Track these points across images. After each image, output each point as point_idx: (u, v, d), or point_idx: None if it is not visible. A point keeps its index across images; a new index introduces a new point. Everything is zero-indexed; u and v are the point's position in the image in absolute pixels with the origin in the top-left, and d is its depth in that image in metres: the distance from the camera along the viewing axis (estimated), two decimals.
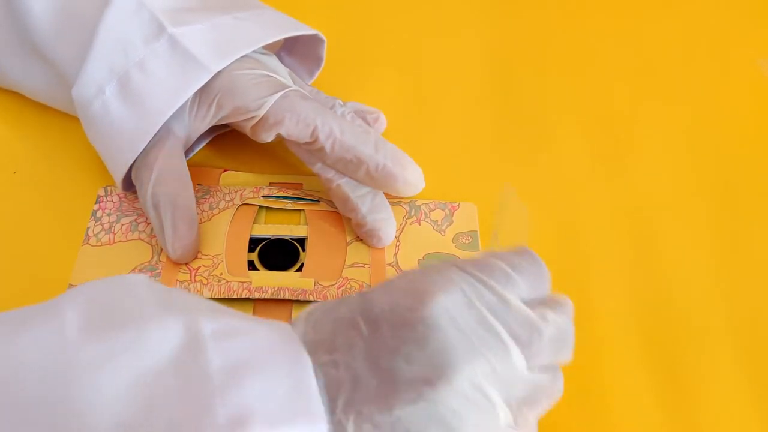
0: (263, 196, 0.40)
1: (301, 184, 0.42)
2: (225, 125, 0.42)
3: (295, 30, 0.40)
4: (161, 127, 0.37)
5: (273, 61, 0.40)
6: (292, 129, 0.37)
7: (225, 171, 0.42)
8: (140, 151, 0.37)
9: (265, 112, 0.37)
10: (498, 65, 0.49)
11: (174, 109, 0.36)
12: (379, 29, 0.51)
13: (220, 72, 0.37)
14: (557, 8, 0.53)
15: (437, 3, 0.53)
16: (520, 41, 0.51)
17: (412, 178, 0.38)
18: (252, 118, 0.38)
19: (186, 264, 0.37)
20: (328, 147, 0.37)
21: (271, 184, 0.41)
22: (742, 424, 0.34)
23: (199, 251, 0.38)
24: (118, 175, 0.38)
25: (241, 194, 0.40)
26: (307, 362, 0.25)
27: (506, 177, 0.43)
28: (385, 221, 0.38)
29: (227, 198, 0.40)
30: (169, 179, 0.37)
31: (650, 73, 0.49)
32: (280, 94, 0.37)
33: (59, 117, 0.43)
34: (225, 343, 0.25)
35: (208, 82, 0.37)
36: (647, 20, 0.53)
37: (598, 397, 0.35)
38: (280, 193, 0.41)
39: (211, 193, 0.40)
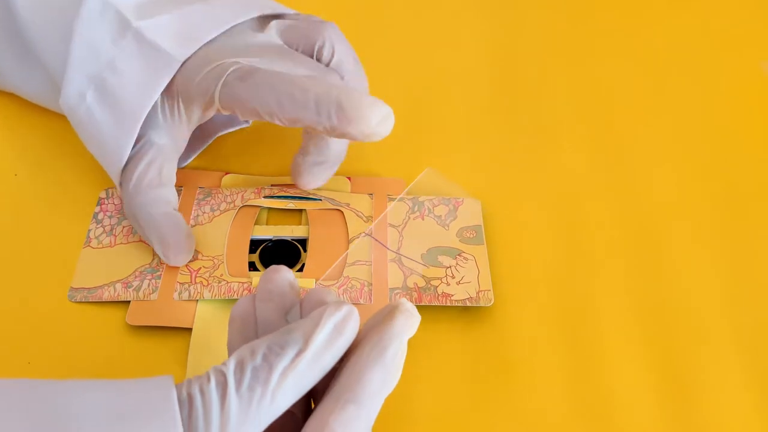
0: (265, 197, 0.40)
1: None
2: (228, 125, 0.42)
3: (269, 9, 0.39)
4: (142, 138, 0.37)
5: (254, 37, 0.38)
6: (245, 115, 0.35)
7: (226, 174, 0.42)
8: (127, 155, 0.36)
9: (217, 105, 0.36)
10: (502, 62, 0.49)
11: (149, 105, 0.36)
12: (383, 26, 0.51)
13: (178, 74, 0.36)
14: (562, 7, 0.53)
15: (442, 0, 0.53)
16: (525, 38, 0.51)
17: (368, 129, 0.33)
18: (214, 110, 0.36)
19: (186, 265, 0.37)
20: (277, 122, 0.35)
21: (272, 185, 0.41)
22: (745, 427, 0.33)
23: (199, 252, 0.38)
24: (115, 179, 0.37)
25: (242, 196, 0.40)
26: None
27: (510, 174, 0.42)
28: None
29: (228, 200, 0.40)
30: (147, 189, 0.36)
31: (654, 75, 0.49)
32: (219, 85, 0.35)
33: (60, 119, 0.43)
34: None
35: (171, 85, 0.36)
36: (651, 22, 0.52)
37: (601, 398, 0.34)
38: (282, 193, 0.40)
39: (213, 195, 0.40)
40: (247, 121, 0.44)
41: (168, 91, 0.36)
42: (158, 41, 0.36)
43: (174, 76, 0.36)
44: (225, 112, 0.36)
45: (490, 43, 0.50)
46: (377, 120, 0.33)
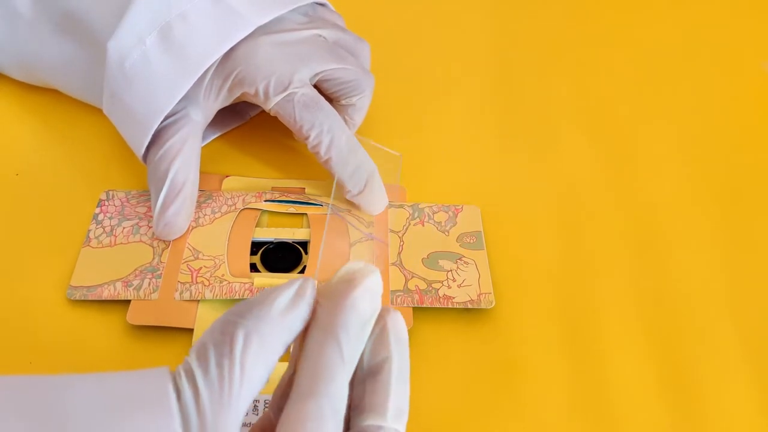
0: (266, 201, 0.40)
1: (303, 188, 0.41)
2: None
3: None
4: (178, 110, 0.38)
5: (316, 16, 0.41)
6: (290, 127, 0.39)
7: (227, 177, 0.42)
8: (173, 104, 0.37)
9: (269, 108, 0.39)
10: (502, 68, 0.49)
11: (215, 58, 0.37)
12: (380, 30, 0.51)
13: (239, 54, 0.38)
14: (562, 10, 0.54)
15: (441, 3, 0.54)
16: (524, 44, 0.51)
17: (370, 212, 0.40)
18: (262, 107, 0.39)
19: (188, 265, 0.37)
20: (315, 155, 0.39)
21: (273, 188, 0.41)
22: (749, 427, 0.34)
23: (200, 252, 0.38)
24: (148, 131, 0.38)
25: (243, 199, 0.40)
26: None
27: (510, 180, 0.43)
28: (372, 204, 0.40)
29: (229, 203, 0.40)
30: (176, 157, 0.38)
31: (655, 75, 0.49)
32: (283, 95, 0.38)
33: (62, 120, 0.44)
34: None
35: (226, 65, 0.38)
36: (652, 22, 0.53)
37: (603, 399, 0.34)
38: (283, 198, 0.40)
39: (214, 198, 0.40)
40: None
41: (222, 71, 0.38)
42: (234, 4, 0.38)
43: (236, 60, 0.38)
44: (270, 111, 0.39)
45: (488, 47, 0.51)
46: (379, 210, 0.40)
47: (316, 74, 0.40)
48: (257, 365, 0.25)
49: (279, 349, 0.26)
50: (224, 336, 0.25)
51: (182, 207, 0.38)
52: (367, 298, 0.26)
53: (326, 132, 0.38)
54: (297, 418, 0.25)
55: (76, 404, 0.24)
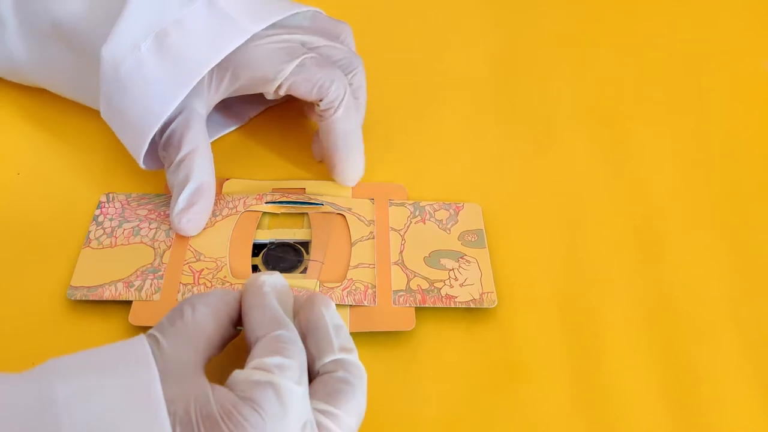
0: (267, 203, 0.40)
1: (304, 189, 0.41)
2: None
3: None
4: (185, 107, 0.38)
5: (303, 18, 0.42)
6: (305, 92, 0.39)
7: (227, 180, 0.42)
8: (170, 110, 0.37)
9: (282, 79, 0.39)
10: (502, 67, 0.50)
11: (212, 65, 0.37)
12: (381, 30, 0.51)
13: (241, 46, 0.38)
14: (562, 9, 0.54)
15: (442, 3, 0.54)
16: (525, 42, 0.51)
17: (343, 180, 0.41)
18: (270, 85, 0.39)
19: (189, 266, 0.37)
20: (323, 113, 0.39)
21: (273, 190, 0.41)
22: (752, 429, 0.33)
23: (202, 254, 0.37)
24: (145, 138, 0.38)
25: (244, 202, 0.40)
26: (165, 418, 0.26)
27: (511, 178, 0.43)
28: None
29: (230, 206, 0.40)
30: (196, 154, 0.38)
31: (656, 75, 0.49)
32: (296, 62, 0.38)
33: (63, 120, 0.44)
34: (78, 406, 0.26)
35: (228, 56, 0.38)
36: (653, 22, 0.53)
37: (605, 399, 0.34)
38: (284, 199, 0.40)
39: (215, 201, 0.40)
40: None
41: (220, 63, 0.38)
42: (229, 11, 0.38)
43: (238, 49, 0.38)
44: (275, 91, 0.39)
45: (490, 46, 0.51)
46: (354, 179, 0.41)
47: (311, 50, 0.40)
48: (206, 319, 0.30)
49: (224, 317, 0.31)
50: (174, 311, 0.30)
51: (206, 205, 0.38)
52: (268, 280, 0.32)
53: (342, 87, 0.39)
54: (265, 344, 0.29)
55: (60, 365, 0.27)
